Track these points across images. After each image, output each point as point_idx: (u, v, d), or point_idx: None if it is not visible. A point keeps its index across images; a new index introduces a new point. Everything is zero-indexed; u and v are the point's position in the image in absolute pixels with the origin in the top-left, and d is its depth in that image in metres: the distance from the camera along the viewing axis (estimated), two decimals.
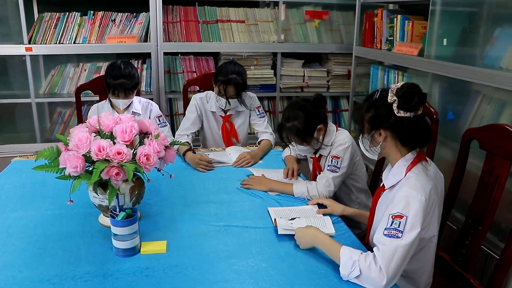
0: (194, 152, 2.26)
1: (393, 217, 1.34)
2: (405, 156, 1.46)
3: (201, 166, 2.14)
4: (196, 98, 2.54)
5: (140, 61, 3.33)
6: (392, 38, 3.02)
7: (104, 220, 1.60)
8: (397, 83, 1.46)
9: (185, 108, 2.94)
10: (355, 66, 3.32)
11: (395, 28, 2.98)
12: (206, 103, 2.54)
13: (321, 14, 3.40)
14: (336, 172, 1.88)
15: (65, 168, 1.40)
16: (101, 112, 2.36)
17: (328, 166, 1.89)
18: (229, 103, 2.39)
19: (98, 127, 1.49)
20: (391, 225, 1.33)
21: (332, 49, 3.48)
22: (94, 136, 1.46)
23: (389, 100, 1.42)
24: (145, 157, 1.41)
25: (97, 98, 2.84)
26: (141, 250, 1.42)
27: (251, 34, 3.39)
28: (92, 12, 3.17)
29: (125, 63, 2.36)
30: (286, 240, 1.53)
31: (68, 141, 1.48)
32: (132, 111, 2.44)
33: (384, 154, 1.49)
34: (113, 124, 1.47)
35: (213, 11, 3.33)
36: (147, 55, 3.33)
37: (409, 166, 1.44)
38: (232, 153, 2.33)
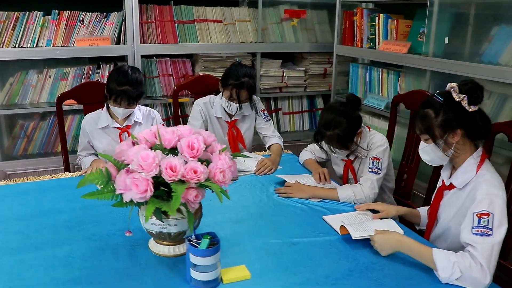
0: None
1: (479, 215, 1.34)
2: (473, 154, 1.48)
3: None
4: (199, 104, 2.37)
5: (111, 65, 3.04)
6: (373, 36, 3.09)
7: (158, 248, 1.41)
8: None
9: (175, 115, 2.75)
10: (336, 64, 3.34)
11: (377, 27, 3.04)
12: (210, 108, 2.38)
13: (300, 13, 3.37)
14: (379, 173, 1.86)
15: (120, 193, 1.21)
16: (99, 124, 2.13)
17: (370, 168, 1.86)
18: (241, 108, 2.26)
19: (159, 142, 1.30)
20: (478, 223, 1.33)
21: (310, 48, 3.47)
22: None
23: (456, 99, 1.43)
24: (221, 174, 1.27)
25: (80, 107, 2.55)
26: (223, 279, 1.27)
27: (229, 34, 3.26)
28: (56, 11, 2.82)
29: (132, 68, 2.13)
30: (360, 248, 1.48)
31: (120, 161, 1.28)
32: (134, 121, 2.22)
33: (454, 155, 1.49)
34: (176, 138, 1.29)
35: (190, 10, 3.14)
36: (119, 58, 3.07)
37: (478, 163, 1.46)
38: (247, 160, 2.21)
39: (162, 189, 1.22)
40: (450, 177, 1.55)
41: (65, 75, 2.95)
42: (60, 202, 1.76)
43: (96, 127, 2.19)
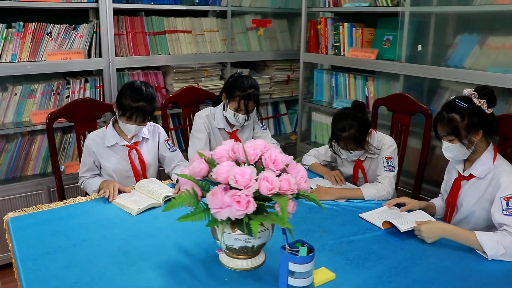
0: None
1: (506, 199, 1.58)
2: (488, 148, 1.73)
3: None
4: (202, 116, 2.37)
5: (82, 80, 2.88)
6: (338, 44, 3.32)
7: (235, 262, 1.42)
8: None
9: (166, 129, 2.70)
10: (303, 71, 3.51)
11: (341, 35, 3.28)
12: (212, 120, 2.39)
13: (266, 22, 3.49)
14: (393, 171, 2.05)
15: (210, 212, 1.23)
16: (106, 142, 2.03)
17: (385, 167, 2.04)
18: (249, 118, 2.31)
19: (245, 157, 1.33)
20: (507, 206, 1.57)
21: (274, 56, 3.61)
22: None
23: (477, 104, 1.66)
24: (306, 183, 1.34)
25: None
26: (314, 282, 1.34)
27: (198, 45, 3.27)
28: (21, 23, 2.60)
29: (145, 84, 2.06)
30: (406, 239, 1.64)
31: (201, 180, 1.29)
32: (142, 137, 2.15)
33: (473, 151, 1.72)
34: (259, 152, 1.33)
35: (161, 21, 3.09)
36: (87, 73, 2.92)
37: (494, 155, 1.71)
38: None
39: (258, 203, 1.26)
40: (464, 170, 1.79)
41: (32, 92, 2.73)
42: (103, 229, 1.67)
43: (103, 146, 2.09)
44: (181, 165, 2.20)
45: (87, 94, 2.90)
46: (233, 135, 2.44)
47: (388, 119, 2.73)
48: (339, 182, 2.12)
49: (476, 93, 1.69)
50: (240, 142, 2.39)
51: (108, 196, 1.88)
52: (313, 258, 1.28)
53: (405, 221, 1.70)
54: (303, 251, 1.28)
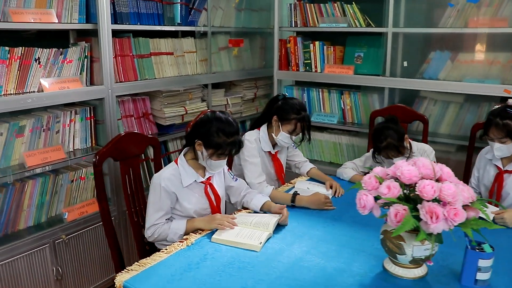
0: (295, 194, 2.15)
1: None
2: None
3: (328, 205, 2.09)
4: (252, 141, 2.31)
5: (72, 112, 2.50)
6: (309, 61, 3.53)
7: (413, 272, 1.49)
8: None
9: None
10: (278, 88, 3.63)
11: (312, 53, 3.50)
12: (259, 143, 2.35)
13: (239, 42, 3.50)
14: None
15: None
16: (184, 182, 1.87)
17: None
18: (307, 139, 2.33)
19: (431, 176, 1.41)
20: None
21: (247, 75, 3.64)
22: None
23: None
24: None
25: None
26: None
27: (179, 67, 3.13)
28: (6, 48, 2.16)
29: (224, 112, 1.92)
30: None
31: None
32: None
33: None
34: (440, 172, 1.44)
35: (147, 43, 2.87)
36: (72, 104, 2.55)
37: None
38: (310, 187, 2.34)
39: None
40: (503, 165, 2.16)
41: (21, 130, 2.27)
42: (243, 273, 1.54)
43: (181, 186, 1.89)
44: (252, 192, 2.11)
45: (77, 127, 2.53)
46: (276, 157, 2.43)
47: None
48: None
49: None
50: (281, 162, 2.43)
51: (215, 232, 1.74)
52: (493, 254, 1.44)
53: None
54: (487, 248, 1.43)
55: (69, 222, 2.40)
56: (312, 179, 2.51)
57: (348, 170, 2.50)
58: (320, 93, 3.56)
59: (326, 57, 3.48)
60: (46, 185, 2.39)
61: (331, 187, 2.31)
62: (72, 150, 2.53)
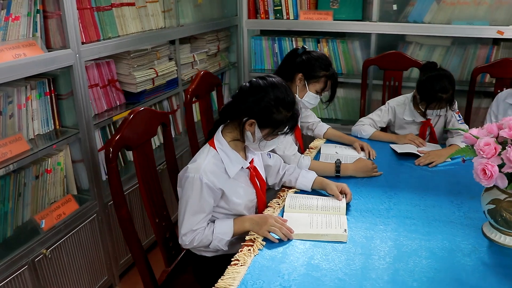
0: None
1: None
2: None
3: (375, 170, 1.87)
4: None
5: (28, 86, 1.89)
6: (279, 7, 3.17)
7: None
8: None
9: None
10: (248, 39, 3.22)
11: None
12: None
13: None
14: (464, 122, 2.21)
15: None
16: (230, 172, 1.50)
17: (458, 120, 2.17)
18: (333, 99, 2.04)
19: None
20: None
21: (212, 27, 3.16)
22: None
23: None
24: None
25: None
26: None
27: (143, 20, 2.56)
28: None
29: (276, 76, 1.50)
30: None
31: None
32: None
33: None
34: None
35: None
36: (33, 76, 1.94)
37: None
38: (339, 151, 2.12)
39: None
40: None
41: None
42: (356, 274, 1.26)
43: (227, 178, 1.49)
44: (291, 168, 1.78)
45: (34, 106, 1.94)
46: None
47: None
48: (420, 144, 2.15)
49: None
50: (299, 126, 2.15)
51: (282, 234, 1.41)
52: None
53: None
54: None
55: (47, 231, 1.87)
56: (329, 141, 2.26)
57: (366, 128, 2.29)
58: (294, 42, 3.24)
59: (299, 2, 3.13)
60: (7, 189, 1.81)
61: (362, 149, 2.08)
62: (33, 137, 1.94)
